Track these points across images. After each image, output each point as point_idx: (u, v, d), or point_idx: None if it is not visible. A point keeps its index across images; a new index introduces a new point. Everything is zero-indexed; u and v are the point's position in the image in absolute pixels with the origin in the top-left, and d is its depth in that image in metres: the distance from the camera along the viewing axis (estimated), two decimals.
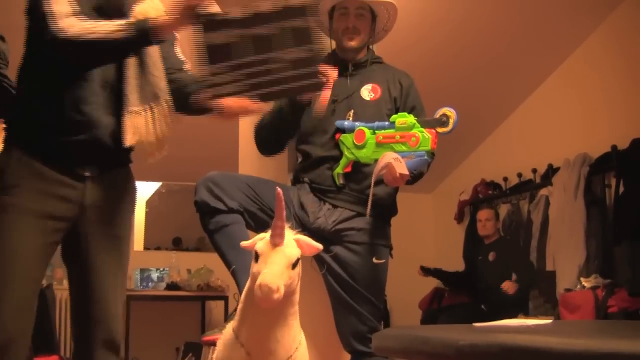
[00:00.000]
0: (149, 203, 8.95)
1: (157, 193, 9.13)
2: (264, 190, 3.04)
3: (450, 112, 2.90)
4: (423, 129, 2.88)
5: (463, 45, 5.91)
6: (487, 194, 7.01)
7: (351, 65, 3.29)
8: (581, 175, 5.56)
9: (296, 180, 3.29)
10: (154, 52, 2.38)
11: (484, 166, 7.22)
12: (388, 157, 2.84)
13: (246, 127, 4.68)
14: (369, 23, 3.29)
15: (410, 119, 2.92)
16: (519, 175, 6.60)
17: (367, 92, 3.24)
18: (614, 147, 5.39)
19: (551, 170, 6.05)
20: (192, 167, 6.75)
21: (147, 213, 8.79)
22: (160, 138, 2.40)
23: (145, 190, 8.73)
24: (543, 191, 6.05)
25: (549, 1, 5.49)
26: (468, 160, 7.57)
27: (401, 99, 3.26)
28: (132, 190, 2.58)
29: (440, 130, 2.90)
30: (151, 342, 7.66)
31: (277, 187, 1.93)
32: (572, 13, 5.61)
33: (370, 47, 3.39)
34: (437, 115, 2.92)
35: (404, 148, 2.90)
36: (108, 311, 2.36)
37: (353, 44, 3.25)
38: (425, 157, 2.88)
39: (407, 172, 2.80)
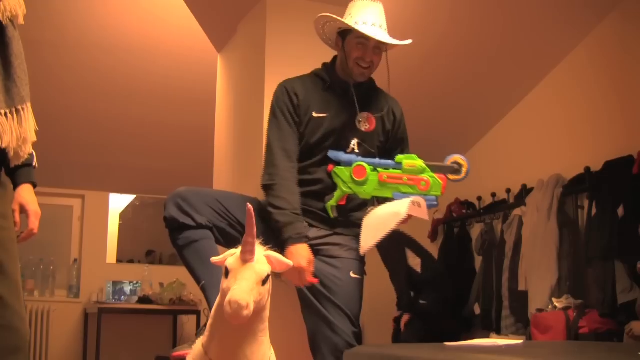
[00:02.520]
0: (123, 216, 8.90)
1: (131, 206, 9.09)
2: (233, 206, 3.03)
3: (462, 160, 2.93)
4: (434, 174, 2.89)
5: (438, 66, 5.94)
6: (461, 213, 7.03)
7: (353, 90, 3.20)
8: (554, 196, 5.58)
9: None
10: (20, 54, 2.32)
11: (458, 185, 7.17)
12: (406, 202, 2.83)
13: (221, 142, 4.67)
14: (382, 55, 3.23)
15: (419, 162, 2.92)
16: (493, 195, 6.62)
17: (363, 120, 3.19)
18: (587, 169, 5.43)
19: (525, 191, 6.07)
20: (166, 181, 6.75)
21: (120, 226, 8.74)
22: (27, 144, 2.32)
23: (118, 202, 8.68)
24: (516, 211, 6.07)
25: (525, 23, 5.53)
26: None
27: (393, 131, 3.26)
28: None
29: (452, 177, 2.93)
30: (122, 356, 7.61)
31: (248, 203, 1.92)
32: (547, 37, 5.66)
33: None
34: (448, 161, 2.96)
35: (411, 191, 2.90)
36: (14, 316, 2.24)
37: (363, 80, 3.21)
38: (436, 203, 2.91)
39: (426, 217, 2.85)
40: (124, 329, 7.69)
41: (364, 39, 3.10)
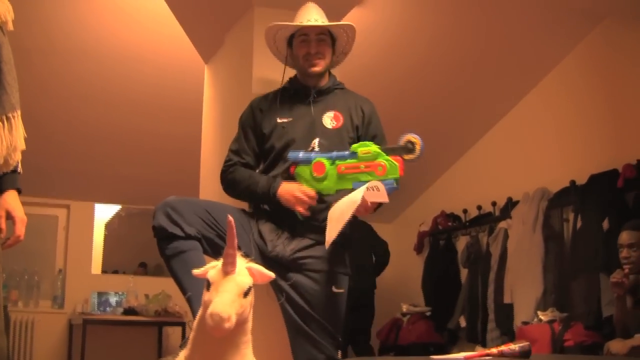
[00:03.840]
0: (108, 226, 8.85)
1: (117, 216, 9.05)
2: (222, 216, 3.01)
3: (415, 138, 2.90)
4: (389, 157, 2.88)
5: (425, 78, 5.95)
6: (447, 225, 7.04)
7: (314, 92, 3.29)
8: (540, 209, 5.60)
9: (255, 207, 3.28)
10: (10, 60, 2.32)
11: (445, 198, 7.26)
12: (354, 195, 2.83)
13: (208, 152, 4.66)
14: (330, 46, 3.31)
15: (374, 147, 2.91)
16: (479, 207, 6.64)
17: (329, 119, 3.23)
18: (572, 182, 5.45)
19: (510, 204, 6.10)
20: (152, 191, 6.73)
21: (105, 236, 8.69)
22: (16, 151, 2.32)
23: (104, 213, 8.63)
24: (502, 224, 6.08)
25: (513, 35, 5.55)
26: (429, 191, 7.60)
27: (363, 126, 3.27)
28: None
29: (407, 157, 2.90)
30: None
31: (229, 215, 1.91)
32: (535, 48, 5.69)
33: (331, 73, 3.41)
34: (402, 142, 2.92)
35: (370, 177, 2.88)
36: None
37: (318, 69, 3.26)
38: (395, 185, 2.88)
39: (386, 199, 2.82)
40: (108, 340, 7.64)
41: (304, 35, 3.24)
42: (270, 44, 3.42)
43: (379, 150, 2.90)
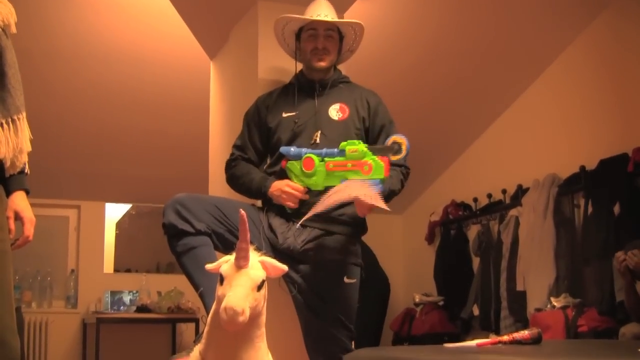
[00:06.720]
0: (119, 225, 8.86)
1: (127, 215, 9.05)
2: (231, 212, 3.03)
3: (400, 139, 2.96)
4: (375, 157, 2.90)
5: (432, 67, 5.95)
6: (458, 214, 7.03)
7: (318, 86, 3.32)
8: (550, 196, 5.58)
9: (265, 201, 3.29)
10: (14, 63, 2.32)
11: (454, 187, 7.24)
12: (353, 187, 2.85)
13: (215, 148, 4.67)
14: (337, 43, 3.36)
15: (361, 146, 2.94)
16: (489, 195, 6.62)
17: (335, 111, 3.26)
18: (582, 168, 5.43)
19: (521, 191, 6.08)
20: (162, 189, 6.72)
21: (117, 235, 8.69)
22: (22, 153, 2.33)
23: (115, 212, 8.65)
24: (513, 211, 6.07)
25: (517, 22, 5.54)
26: (438, 181, 7.59)
27: (369, 118, 3.29)
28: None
29: (394, 158, 2.94)
30: None
31: (241, 209, 1.92)
32: (540, 36, 5.67)
33: (337, 67, 3.44)
34: (388, 142, 2.97)
35: (355, 176, 2.91)
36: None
37: (323, 64, 3.31)
38: (380, 185, 2.90)
39: (382, 206, 2.83)
40: (122, 338, 7.66)
41: (312, 29, 3.31)
42: (278, 36, 3.47)
43: (366, 150, 2.93)
